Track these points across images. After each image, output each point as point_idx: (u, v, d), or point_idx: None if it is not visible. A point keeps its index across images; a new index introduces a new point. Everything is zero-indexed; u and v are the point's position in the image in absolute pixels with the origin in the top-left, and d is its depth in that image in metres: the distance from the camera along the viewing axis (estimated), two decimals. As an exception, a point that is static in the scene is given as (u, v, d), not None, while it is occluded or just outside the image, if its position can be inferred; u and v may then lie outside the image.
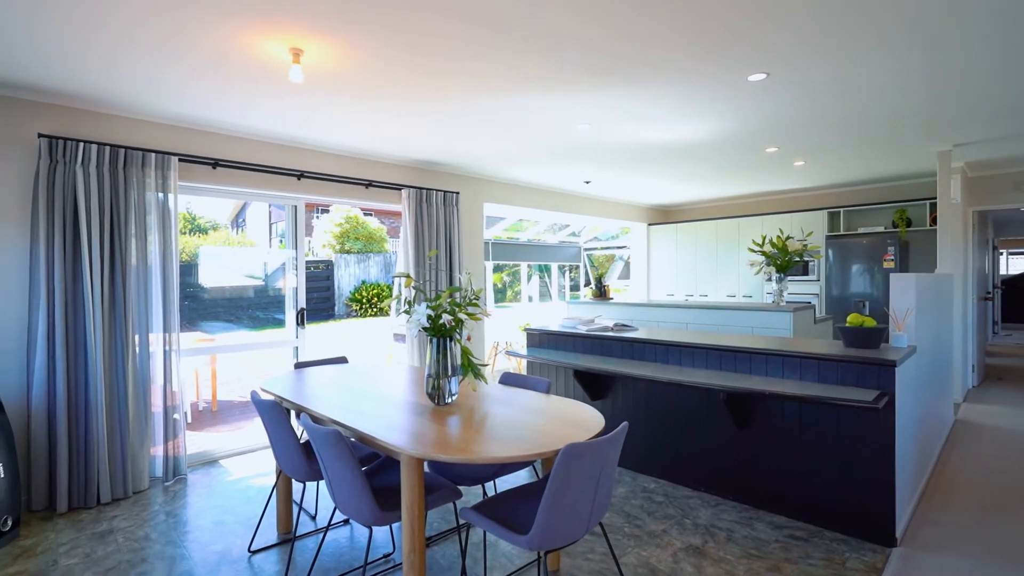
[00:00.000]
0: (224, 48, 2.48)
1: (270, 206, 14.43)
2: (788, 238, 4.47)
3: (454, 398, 2.30)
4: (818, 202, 6.94)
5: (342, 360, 3.47)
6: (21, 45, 2.43)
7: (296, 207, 4.36)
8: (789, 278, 6.58)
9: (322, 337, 11.20)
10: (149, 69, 2.72)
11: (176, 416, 3.52)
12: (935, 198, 5.61)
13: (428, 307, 2.19)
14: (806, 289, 6.51)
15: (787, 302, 4.94)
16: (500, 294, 13.02)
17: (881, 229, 6.05)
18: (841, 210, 6.38)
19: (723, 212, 7.83)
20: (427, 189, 4.90)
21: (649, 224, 8.02)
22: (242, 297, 9.47)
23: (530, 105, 3.37)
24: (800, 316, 4.45)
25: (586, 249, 9.41)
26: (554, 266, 9.18)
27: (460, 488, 2.55)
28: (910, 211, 6.09)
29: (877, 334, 2.80)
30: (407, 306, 2.25)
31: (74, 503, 3.05)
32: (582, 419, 2.06)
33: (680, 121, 3.77)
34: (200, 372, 5.86)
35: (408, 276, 2.34)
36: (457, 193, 5.16)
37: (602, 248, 9.58)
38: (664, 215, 8.43)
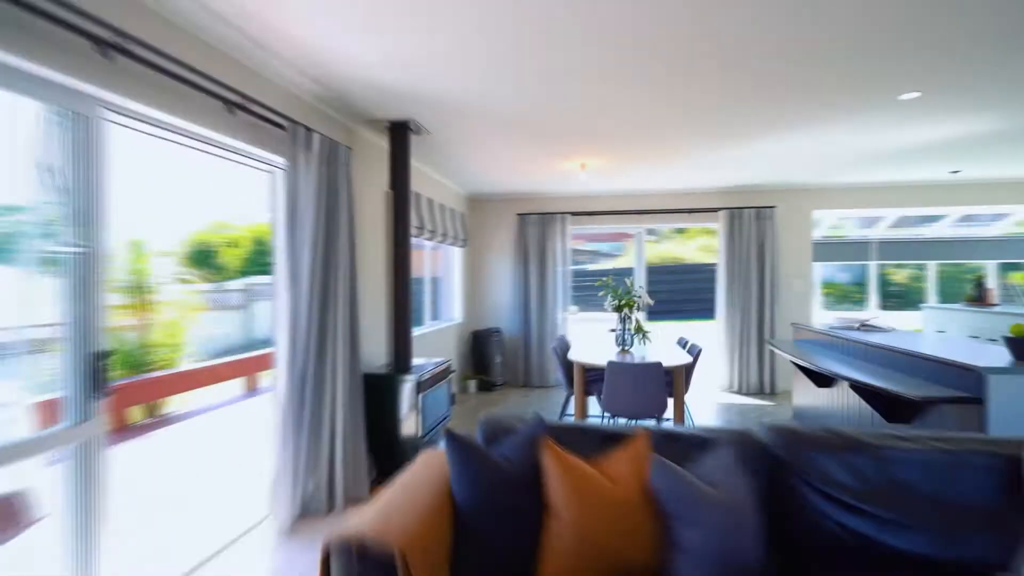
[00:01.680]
0: (562, 168, 5.20)
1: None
2: None
3: (628, 346, 4.19)
4: None
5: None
6: (513, 182, 5.96)
7: (640, 234, 6.69)
8: None
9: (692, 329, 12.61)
10: (546, 181, 5.79)
11: (568, 353, 6.59)
12: None
13: (613, 298, 4.21)
14: None
15: None
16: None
17: None
18: None
19: None
20: (739, 208, 6.16)
21: None
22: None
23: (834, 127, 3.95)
24: None
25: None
26: (991, 264, 7.28)
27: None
28: None
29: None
30: (610, 295, 4.32)
31: (529, 383, 6.56)
32: (681, 361, 3.62)
33: None
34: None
35: (608, 278, 4.37)
36: (772, 207, 6.10)
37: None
38: None
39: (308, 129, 2.72)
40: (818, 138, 4.06)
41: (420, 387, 3.45)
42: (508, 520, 1.61)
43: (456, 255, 6.41)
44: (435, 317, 5.99)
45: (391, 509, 1.50)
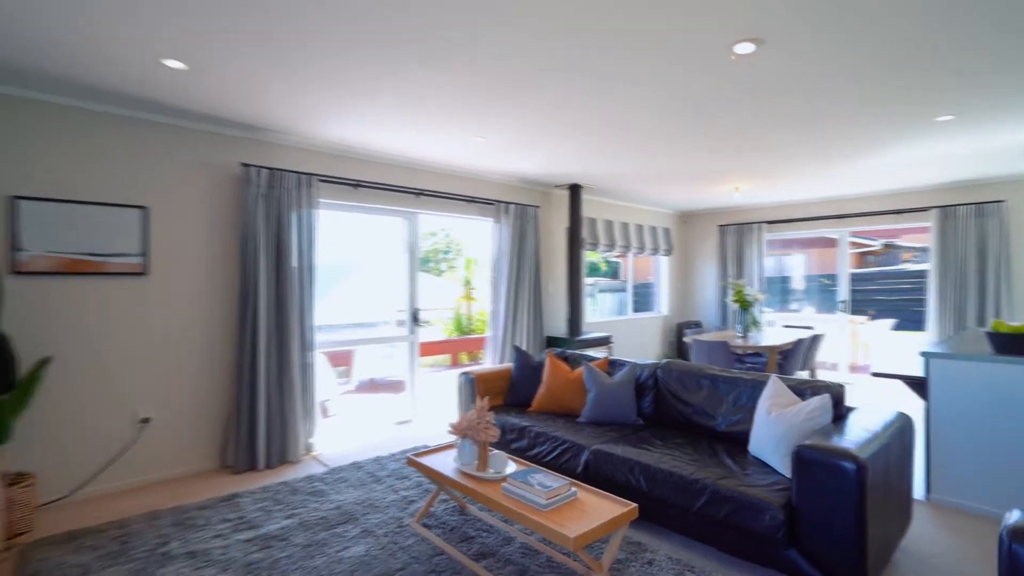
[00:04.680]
0: (715, 190, 6.39)
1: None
2: None
3: (745, 336, 5.28)
4: None
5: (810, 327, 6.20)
6: (710, 200, 7.36)
7: (842, 236, 6.86)
8: None
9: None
10: (743, 195, 6.93)
11: (765, 347, 7.36)
12: None
13: (734, 295, 5.37)
14: None
15: None
16: None
17: None
18: None
19: None
20: (953, 206, 5.80)
21: None
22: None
23: None
24: None
25: None
26: None
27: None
28: None
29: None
30: (735, 295, 5.47)
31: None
32: (773, 343, 4.75)
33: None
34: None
35: (737, 282, 5.45)
36: (1000, 202, 5.54)
37: None
38: None
39: (505, 203, 5.30)
40: None
41: (576, 343, 5.62)
42: (526, 382, 3.80)
43: (663, 262, 8.05)
44: (637, 310, 7.84)
45: (483, 369, 3.91)
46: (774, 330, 5.91)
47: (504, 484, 2.31)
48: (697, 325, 7.85)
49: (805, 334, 5.18)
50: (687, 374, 3.26)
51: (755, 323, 5.31)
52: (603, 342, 5.93)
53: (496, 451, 2.57)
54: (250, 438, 3.59)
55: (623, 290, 8.15)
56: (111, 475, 3.24)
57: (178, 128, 3.45)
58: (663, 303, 8.10)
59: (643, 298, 8.17)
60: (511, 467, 2.52)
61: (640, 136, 3.91)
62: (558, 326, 6.19)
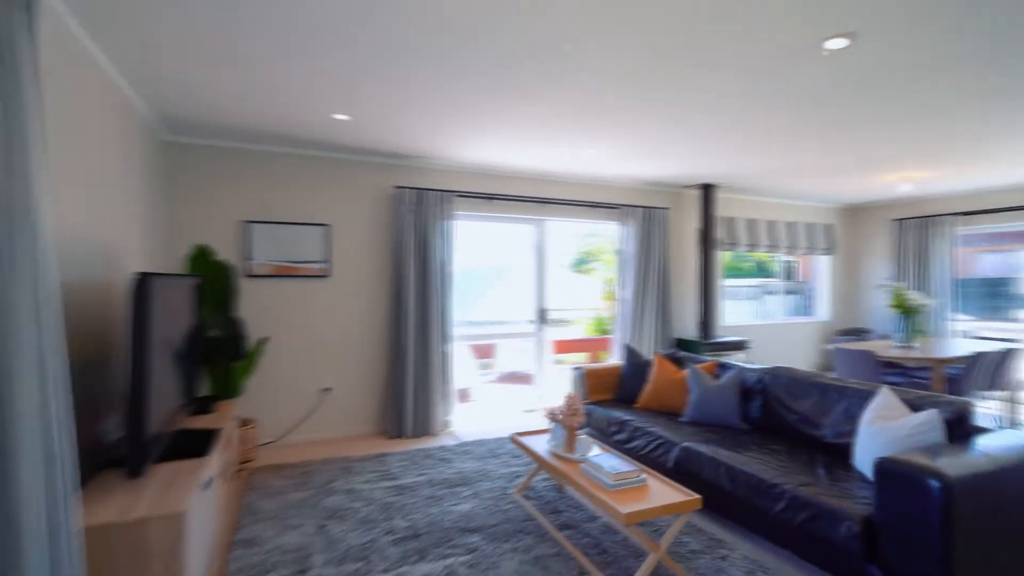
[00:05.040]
0: (880, 180, 5.63)
1: None
2: None
3: (908, 346, 4.64)
4: None
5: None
6: (880, 192, 6.55)
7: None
8: None
9: None
10: (922, 183, 6.07)
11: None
12: None
13: (892, 299, 4.75)
14: None
15: None
16: None
17: None
18: None
19: None
20: None
21: None
22: None
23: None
24: None
25: None
26: None
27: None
28: None
29: None
30: (893, 299, 4.83)
31: (896, 385, 6.69)
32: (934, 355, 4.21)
33: None
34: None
35: (896, 284, 4.78)
36: None
37: None
38: None
39: (630, 206, 5.45)
40: None
41: (707, 347, 5.49)
42: (635, 380, 3.97)
43: (822, 262, 7.27)
44: (798, 314, 7.23)
45: (594, 366, 4.17)
46: (949, 341, 5.02)
47: (582, 465, 2.60)
48: (861, 332, 6.94)
49: (991, 347, 4.36)
50: (795, 381, 3.14)
51: (920, 332, 4.62)
52: (737, 347, 5.69)
53: (583, 436, 2.86)
54: (399, 412, 4.39)
55: (796, 292, 7.56)
56: (304, 428, 4.27)
57: (347, 161, 4.38)
58: (823, 307, 7.33)
59: (808, 301, 7.50)
60: (595, 451, 2.79)
61: (772, 133, 3.79)
62: (688, 328, 6.09)
